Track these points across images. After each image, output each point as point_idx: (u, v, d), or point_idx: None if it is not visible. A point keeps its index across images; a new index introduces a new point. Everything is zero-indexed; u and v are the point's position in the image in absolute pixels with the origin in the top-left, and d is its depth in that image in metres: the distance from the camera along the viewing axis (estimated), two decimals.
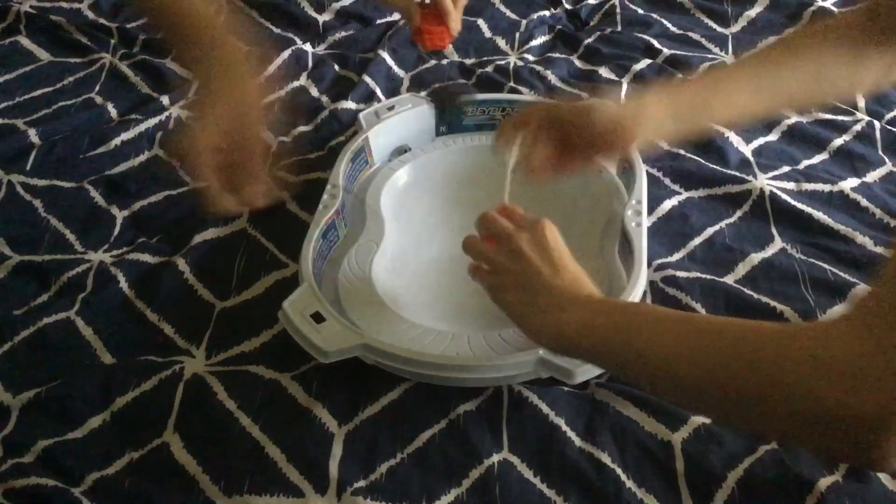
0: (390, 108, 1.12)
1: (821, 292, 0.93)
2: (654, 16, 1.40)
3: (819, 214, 1.02)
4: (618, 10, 1.41)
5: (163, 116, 1.22)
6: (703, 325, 0.62)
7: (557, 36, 1.38)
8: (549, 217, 1.03)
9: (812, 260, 0.97)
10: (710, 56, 1.30)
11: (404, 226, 1.03)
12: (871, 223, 1.02)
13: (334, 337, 0.82)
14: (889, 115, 1.17)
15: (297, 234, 0.98)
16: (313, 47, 1.36)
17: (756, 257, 0.98)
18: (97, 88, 1.30)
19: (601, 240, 0.98)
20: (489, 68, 1.30)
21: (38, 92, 1.29)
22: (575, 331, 0.68)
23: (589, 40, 1.35)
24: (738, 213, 1.04)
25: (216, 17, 0.81)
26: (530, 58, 1.33)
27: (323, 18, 1.43)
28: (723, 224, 1.03)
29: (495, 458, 0.79)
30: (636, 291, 0.86)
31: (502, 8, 1.45)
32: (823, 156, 1.12)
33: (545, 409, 0.82)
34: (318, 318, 0.84)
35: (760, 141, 1.14)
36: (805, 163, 1.11)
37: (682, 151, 1.12)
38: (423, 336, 0.87)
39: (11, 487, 0.77)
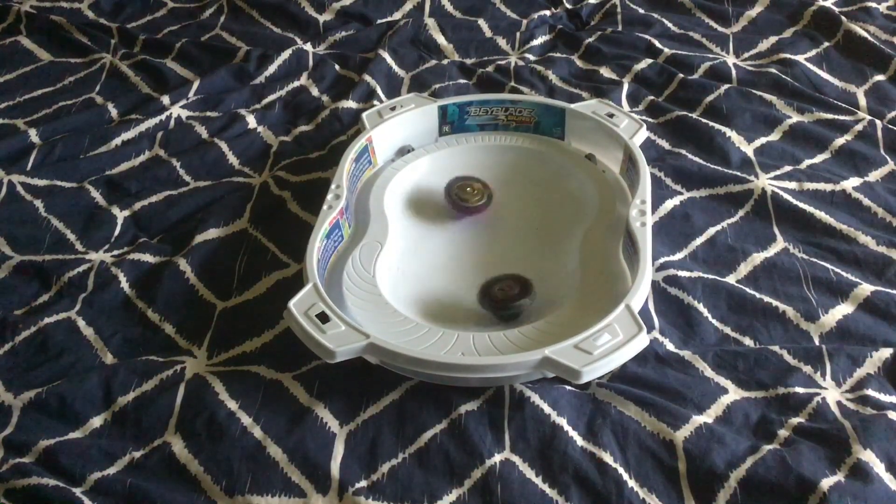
0: (393, 108, 1.12)
1: (823, 292, 0.93)
2: (655, 15, 1.40)
3: (821, 214, 1.02)
4: (618, 9, 1.41)
5: (163, 116, 1.22)
6: None
7: (558, 36, 1.38)
8: (552, 217, 1.04)
9: (814, 259, 0.97)
10: (710, 56, 1.30)
11: (408, 226, 1.03)
12: (873, 223, 1.02)
13: (340, 337, 0.82)
14: (891, 115, 1.17)
15: (297, 233, 0.98)
16: (314, 47, 1.36)
17: (758, 257, 0.98)
18: (97, 88, 1.30)
19: (605, 240, 0.98)
20: (490, 68, 1.30)
21: (39, 92, 1.30)
22: None
23: (590, 40, 1.35)
24: (740, 213, 1.04)
25: None
26: (531, 57, 1.33)
27: (323, 18, 1.43)
28: (724, 224, 1.02)
29: (497, 458, 0.79)
30: (641, 292, 0.86)
31: (503, 8, 1.45)
32: (825, 155, 1.12)
33: (547, 408, 0.82)
34: (323, 318, 0.84)
35: (762, 140, 1.14)
36: (807, 162, 1.11)
37: (683, 151, 1.12)
38: (428, 336, 0.87)
39: (12, 487, 0.77)
